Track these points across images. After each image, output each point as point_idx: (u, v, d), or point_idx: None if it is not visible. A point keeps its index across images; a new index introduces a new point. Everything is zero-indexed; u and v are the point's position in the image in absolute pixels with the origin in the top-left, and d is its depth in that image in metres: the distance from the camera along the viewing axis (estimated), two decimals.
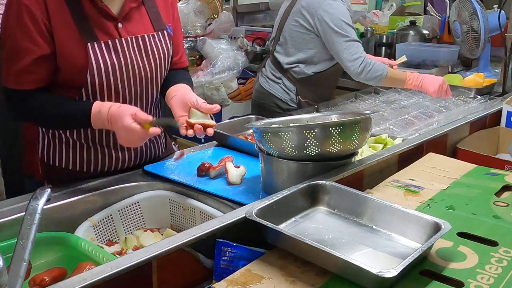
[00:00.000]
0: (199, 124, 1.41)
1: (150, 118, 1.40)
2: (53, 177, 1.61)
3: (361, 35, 3.51)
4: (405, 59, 2.67)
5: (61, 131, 1.56)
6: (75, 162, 1.59)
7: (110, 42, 1.47)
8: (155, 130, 1.40)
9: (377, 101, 2.51)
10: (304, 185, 1.29)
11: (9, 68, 1.44)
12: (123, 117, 1.38)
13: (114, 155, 1.61)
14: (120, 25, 1.50)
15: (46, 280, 1.14)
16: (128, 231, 1.51)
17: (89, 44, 1.44)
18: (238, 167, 1.57)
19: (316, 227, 1.22)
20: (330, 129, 1.32)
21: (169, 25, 1.64)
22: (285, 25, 2.77)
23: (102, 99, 1.49)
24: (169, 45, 1.62)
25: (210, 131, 1.42)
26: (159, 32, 1.59)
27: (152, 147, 1.71)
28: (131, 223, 1.52)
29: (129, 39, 1.51)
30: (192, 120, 1.43)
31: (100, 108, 1.42)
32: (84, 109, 1.44)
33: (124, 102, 1.53)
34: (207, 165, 1.60)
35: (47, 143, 1.61)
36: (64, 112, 1.47)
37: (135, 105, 1.56)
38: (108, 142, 1.59)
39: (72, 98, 1.49)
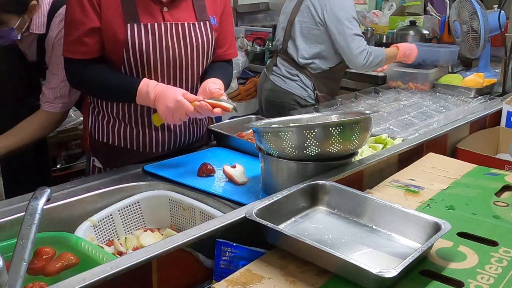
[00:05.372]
0: (218, 106, 1.53)
1: (199, 98, 1.52)
2: (99, 151, 1.78)
3: None
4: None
5: (105, 110, 1.69)
6: (119, 139, 1.71)
7: (149, 25, 1.56)
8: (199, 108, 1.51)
9: (377, 101, 2.51)
10: (304, 185, 1.29)
11: (66, 38, 1.62)
12: (175, 93, 1.51)
13: (154, 136, 1.71)
14: (166, 8, 1.58)
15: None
16: (128, 231, 1.51)
17: (129, 24, 1.54)
18: (234, 167, 1.57)
19: (316, 227, 1.22)
20: (330, 129, 1.32)
21: (213, 17, 1.70)
22: (294, 21, 2.79)
23: (138, 76, 1.60)
24: (210, 35, 1.67)
25: (217, 111, 1.53)
26: (201, 22, 1.65)
27: (191, 129, 1.79)
28: (131, 223, 1.52)
29: (168, 24, 1.59)
30: (210, 101, 1.53)
31: (148, 85, 1.55)
32: (131, 86, 1.56)
33: (161, 82, 1.62)
34: (210, 168, 1.60)
35: (94, 120, 1.75)
36: (113, 85, 1.60)
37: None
38: (150, 123, 1.68)
39: (122, 73, 1.62)
